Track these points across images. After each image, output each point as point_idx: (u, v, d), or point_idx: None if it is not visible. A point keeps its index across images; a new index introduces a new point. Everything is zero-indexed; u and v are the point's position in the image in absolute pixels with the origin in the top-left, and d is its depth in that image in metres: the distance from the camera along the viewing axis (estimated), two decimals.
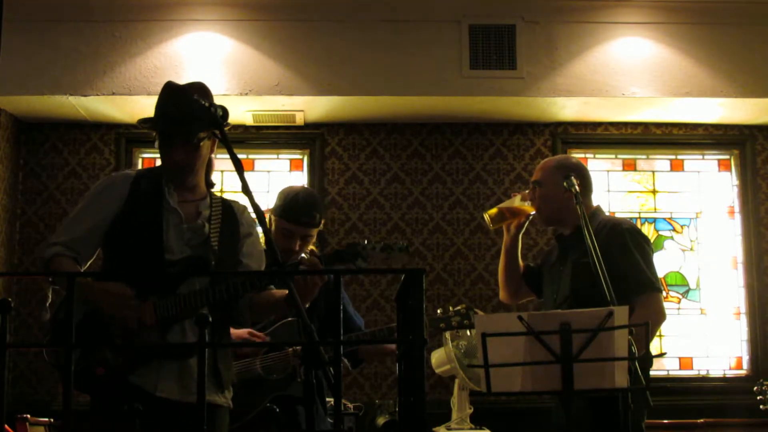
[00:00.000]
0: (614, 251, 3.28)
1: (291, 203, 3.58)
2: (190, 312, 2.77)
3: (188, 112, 2.82)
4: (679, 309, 5.84)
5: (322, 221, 3.65)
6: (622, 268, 3.26)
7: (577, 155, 5.95)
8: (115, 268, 2.90)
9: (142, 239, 2.85)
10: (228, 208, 3.00)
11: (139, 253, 2.84)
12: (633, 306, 3.28)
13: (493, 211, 3.74)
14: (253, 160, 5.92)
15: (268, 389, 3.46)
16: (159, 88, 2.99)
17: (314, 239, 3.69)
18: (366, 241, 2.88)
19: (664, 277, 5.85)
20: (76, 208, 3.03)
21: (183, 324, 2.80)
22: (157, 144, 2.94)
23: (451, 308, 3.69)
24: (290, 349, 3.49)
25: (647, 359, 3.05)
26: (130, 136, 5.71)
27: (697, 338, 5.81)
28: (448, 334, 4.27)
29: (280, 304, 2.92)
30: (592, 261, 2.97)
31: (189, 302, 2.76)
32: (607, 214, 3.86)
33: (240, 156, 2.62)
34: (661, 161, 6.04)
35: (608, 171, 6.00)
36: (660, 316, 3.41)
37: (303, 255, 3.24)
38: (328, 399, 3.62)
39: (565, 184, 3.36)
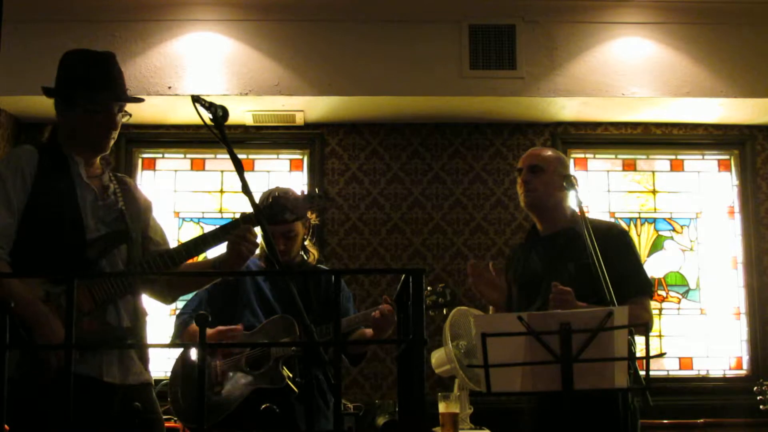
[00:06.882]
0: (615, 253, 3.26)
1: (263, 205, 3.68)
2: (125, 289, 2.72)
3: (121, 82, 2.80)
4: (679, 309, 5.84)
5: (304, 215, 3.55)
6: (622, 270, 3.24)
7: (577, 155, 5.97)
8: (31, 251, 2.63)
9: (60, 219, 2.68)
10: (123, 182, 2.93)
11: (59, 234, 2.66)
12: (629, 306, 3.28)
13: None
14: (253, 160, 5.91)
15: (251, 382, 3.50)
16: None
17: (300, 236, 3.69)
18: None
19: (664, 277, 5.85)
20: None
21: (116, 302, 2.72)
22: (63, 111, 2.82)
23: (428, 288, 3.71)
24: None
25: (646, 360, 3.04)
26: (130, 136, 5.70)
27: (697, 338, 5.81)
28: (448, 335, 4.26)
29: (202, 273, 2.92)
30: (593, 261, 2.97)
31: (123, 279, 2.70)
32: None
33: (240, 156, 2.63)
34: (661, 161, 6.04)
35: (608, 171, 6.00)
36: (652, 322, 3.38)
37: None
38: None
39: (564, 183, 3.35)
